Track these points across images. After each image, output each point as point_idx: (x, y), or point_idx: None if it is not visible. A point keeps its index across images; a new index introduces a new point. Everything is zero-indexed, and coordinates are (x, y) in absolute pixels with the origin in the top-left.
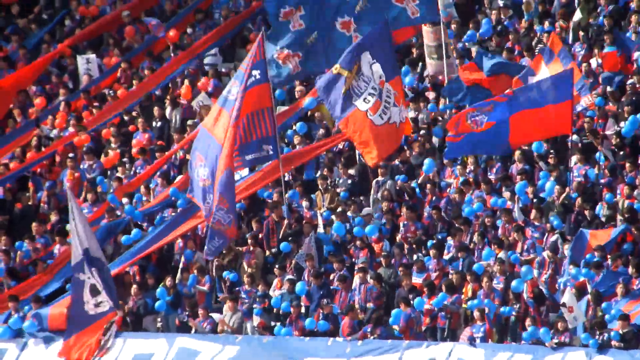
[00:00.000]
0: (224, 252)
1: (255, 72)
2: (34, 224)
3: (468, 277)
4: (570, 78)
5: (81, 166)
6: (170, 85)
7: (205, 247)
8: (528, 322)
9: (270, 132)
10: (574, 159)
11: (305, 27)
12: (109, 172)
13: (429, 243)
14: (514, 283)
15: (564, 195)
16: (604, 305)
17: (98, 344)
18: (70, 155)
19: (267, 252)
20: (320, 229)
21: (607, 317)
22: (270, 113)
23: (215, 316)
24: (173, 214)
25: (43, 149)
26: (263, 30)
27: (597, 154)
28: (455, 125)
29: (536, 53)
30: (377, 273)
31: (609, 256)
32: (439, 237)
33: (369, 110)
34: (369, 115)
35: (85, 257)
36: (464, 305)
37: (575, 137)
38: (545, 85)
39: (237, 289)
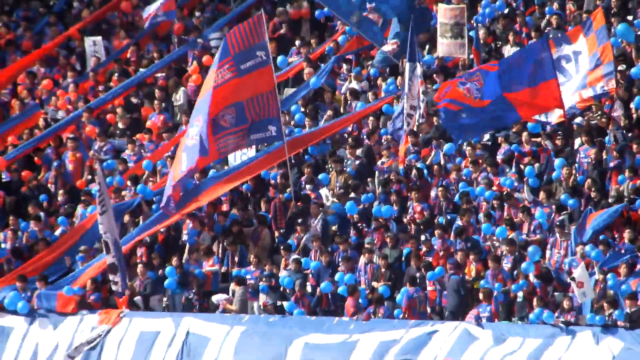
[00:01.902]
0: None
1: (260, 53)
2: (44, 204)
3: (471, 257)
4: (544, 53)
5: (94, 147)
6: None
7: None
8: (535, 302)
9: (275, 113)
10: (579, 140)
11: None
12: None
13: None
14: (523, 265)
15: (572, 178)
16: (610, 282)
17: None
18: (71, 136)
19: (276, 233)
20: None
21: (623, 287)
22: (274, 95)
23: (221, 297)
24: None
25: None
26: (262, 11)
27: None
28: (443, 92)
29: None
30: (384, 253)
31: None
32: (448, 217)
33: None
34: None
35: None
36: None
37: (580, 118)
38: (528, 68)
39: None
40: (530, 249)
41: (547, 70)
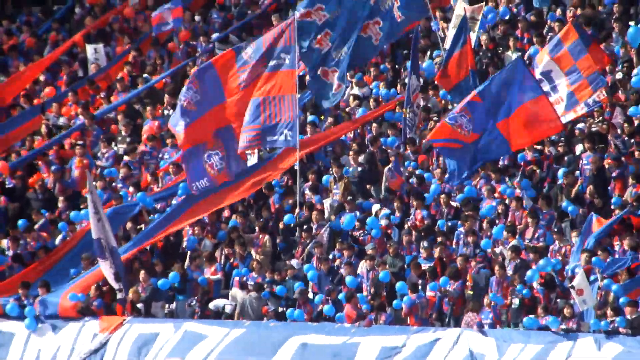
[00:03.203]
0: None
1: (285, 56)
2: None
3: (472, 264)
4: (524, 73)
5: (98, 154)
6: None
7: (190, 181)
8: (540, 310)
9: (292, 119)
10: (582, 147)
11: (335, 45)
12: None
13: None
14: (528, 273)
15: (577, 186)
16: (614, 288)
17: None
18: (79, 142)
19: (278, 239)
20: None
21: (621, 300)
22: (294, 100)
23: (219, 302)
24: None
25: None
26: (294, 16)
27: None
28: (440, 134)
29: (547, 42)
30: (384, 260)
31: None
32: (449, 224)
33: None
34: None
35: (98, 245)
36: (469, 292)
37: (582, 124)
38: (511, 90)
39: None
40: (541, 262)
41: (532, 89)
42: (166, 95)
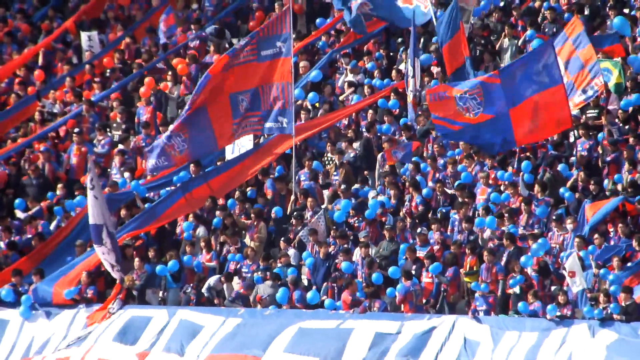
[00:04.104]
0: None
1: (280, 44)
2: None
3: (467, 250)
4: (554, 61)
5: (94, 141)
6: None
7: (149, 162)
8: (530, 296)
9: (287, 106)
10: (576, 133)
11: None
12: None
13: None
14: (522, 259)
15: (573, 177)
16: (611, 277)
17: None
18: (76, 130)
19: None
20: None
21: (612, 288)
22: (289, 87)
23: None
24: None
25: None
26: (291, 4)
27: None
28: (443, 110)
29: (541, 29)
30: (374, 259)
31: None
32: (443, 210)
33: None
34: None
35: (95, 231)
36: (466, 279)
37: (577, 111)
38: (535, 73)
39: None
40: (534, 245)
41: (554, 75)
42: (149, 78)
